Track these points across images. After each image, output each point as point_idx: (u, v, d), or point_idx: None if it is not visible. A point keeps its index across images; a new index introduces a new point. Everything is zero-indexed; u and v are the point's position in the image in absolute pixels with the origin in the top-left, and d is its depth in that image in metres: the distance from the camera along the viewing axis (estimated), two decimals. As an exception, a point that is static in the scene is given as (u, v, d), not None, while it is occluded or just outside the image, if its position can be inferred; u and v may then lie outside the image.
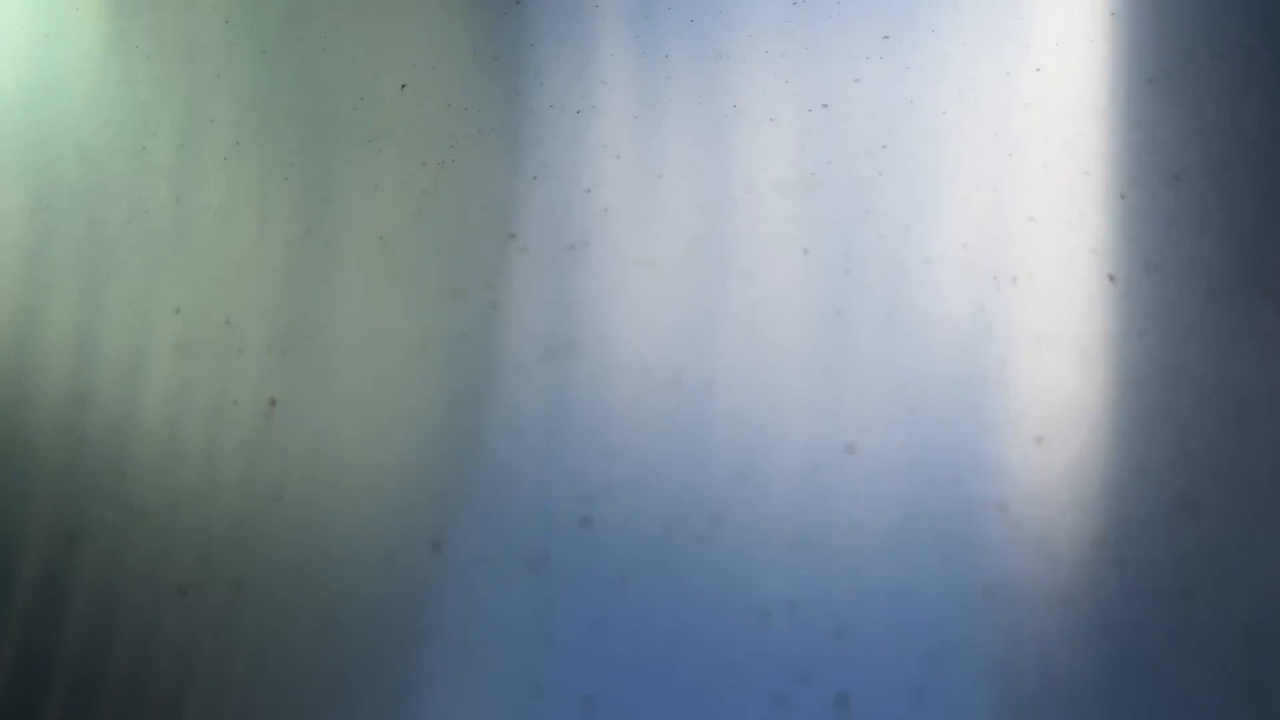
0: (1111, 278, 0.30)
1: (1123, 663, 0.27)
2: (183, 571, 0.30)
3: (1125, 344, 0.30)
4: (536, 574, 0.28)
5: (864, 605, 0.27)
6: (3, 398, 0.32)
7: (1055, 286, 0.30)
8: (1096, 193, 0.31)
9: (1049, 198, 0.31)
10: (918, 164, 0.32)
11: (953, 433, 0.28)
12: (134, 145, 0.35)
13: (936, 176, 0.31)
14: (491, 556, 0.28)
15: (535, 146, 0.33)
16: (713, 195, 0.31)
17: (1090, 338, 0.30)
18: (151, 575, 0.30)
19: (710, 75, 0.33)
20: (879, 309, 0.30)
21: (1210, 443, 0.29)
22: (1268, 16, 0.34)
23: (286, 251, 0.33)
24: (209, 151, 0.35)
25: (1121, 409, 0.29)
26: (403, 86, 0.34)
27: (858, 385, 0.29)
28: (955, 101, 0.32)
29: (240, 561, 0.29)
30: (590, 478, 0.28)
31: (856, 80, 0.33)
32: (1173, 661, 0.27)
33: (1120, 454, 0.29)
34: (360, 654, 0.28)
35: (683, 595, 0.27)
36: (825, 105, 0.33)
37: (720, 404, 0.29)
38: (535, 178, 0.32)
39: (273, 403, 0.31)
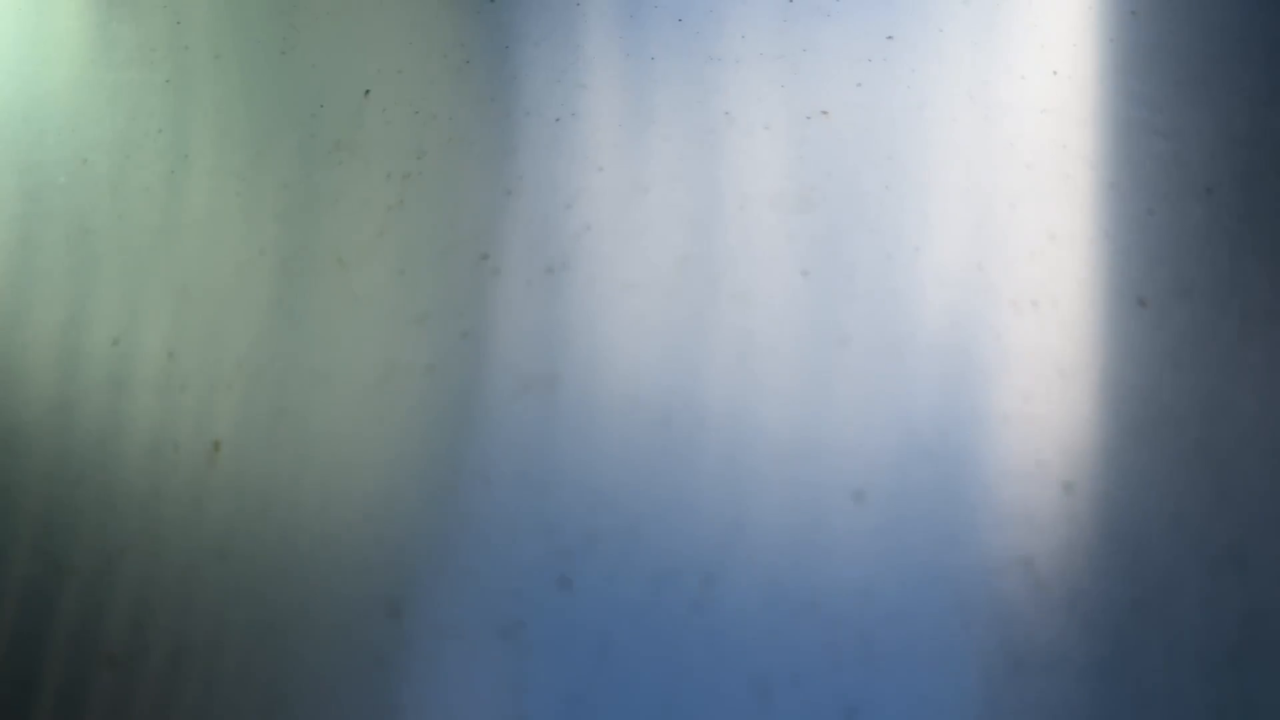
0: (1142, 302, 0.30)
1: (1165, 738, 0.27)
2: (113, 639, 0.29)
3: (1158, 376, 0.29)
4: (508, 643, 0.28)
5: (876, 680, 0.27)
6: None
7: (1079, 312, 0.30)
8: (1122, 207, 0.31)
9: (1070, 213, 0.31)
10: (926, 176, 0.31)
11: (972, 479, 0.28)
12: (73, 158, 0.35)
13: (947, 190, 0.31)
14: (457, 624, 0.28)
15: (510, 158, 0.32)
16: (703, 211, 0.31)
17: (1119, 369, 0.29)
18: (78, 643, 0.29)
19: (700, 79, 0.33)
20: (886, 337, 0.29)
21: (1254, 486, 0.28)
22: (1304, 14, 0.34)
23: (236, 275, 0.32)
24: (154, 165, 0.34)
25: (1155, 449, 0.29)
26: (366, 92, 0.34)
27: (865, 424, 0.29)
28: (966, 107, 0.32)
29: (178, 628, 0.29)
30: (569, 530, 0.28)
31: (859, 84, 0.33)
32: (1220, 736, 0.27)
33: (1155, 501, 0.28)
34: (312, 733, 0.28)
35: (672, 669, 0.27)
36: (825, 112, 0.32)
37: (713, 445, 0.28)
38: (510, 192, 0.32)
39: (217, 446, 0.31)
